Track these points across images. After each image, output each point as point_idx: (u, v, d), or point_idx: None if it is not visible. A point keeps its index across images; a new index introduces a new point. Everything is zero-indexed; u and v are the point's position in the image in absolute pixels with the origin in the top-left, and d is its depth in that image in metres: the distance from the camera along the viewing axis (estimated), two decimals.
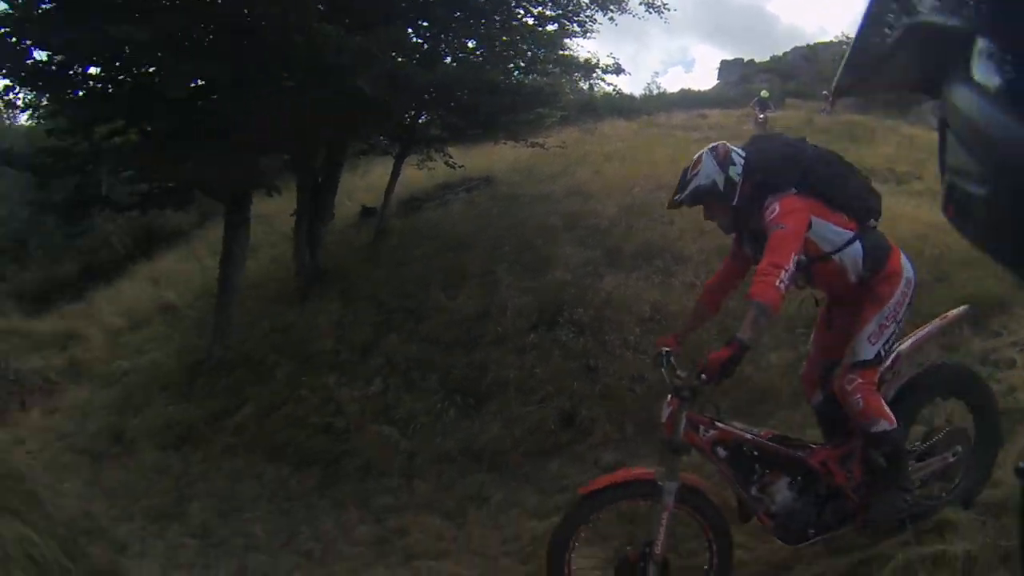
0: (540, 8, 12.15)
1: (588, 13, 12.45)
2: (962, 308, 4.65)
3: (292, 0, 7.68)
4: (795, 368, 7.72)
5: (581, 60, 13.22)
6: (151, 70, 9.23)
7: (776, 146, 4.07)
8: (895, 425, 3.70)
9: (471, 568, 5.36)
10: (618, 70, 12.48)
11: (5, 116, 26.19)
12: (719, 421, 3.84)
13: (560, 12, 12.29)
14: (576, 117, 23.14)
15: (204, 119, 9.45)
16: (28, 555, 4.53)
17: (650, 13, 12.60)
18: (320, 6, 8.21)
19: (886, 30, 0.88)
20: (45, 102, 11.23)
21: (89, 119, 10.04)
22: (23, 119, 22.62)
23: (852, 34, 0.94)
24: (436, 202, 14.57)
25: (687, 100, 34.69)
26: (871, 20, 0.93)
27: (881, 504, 3.78)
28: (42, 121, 12.86)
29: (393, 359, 8.46)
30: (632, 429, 7.26)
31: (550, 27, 12.42)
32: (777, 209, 3.65)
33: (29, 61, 9.31)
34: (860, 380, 3.72)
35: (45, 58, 9.38)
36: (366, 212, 14.16)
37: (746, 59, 48.81)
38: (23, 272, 19.26)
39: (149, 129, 10.11)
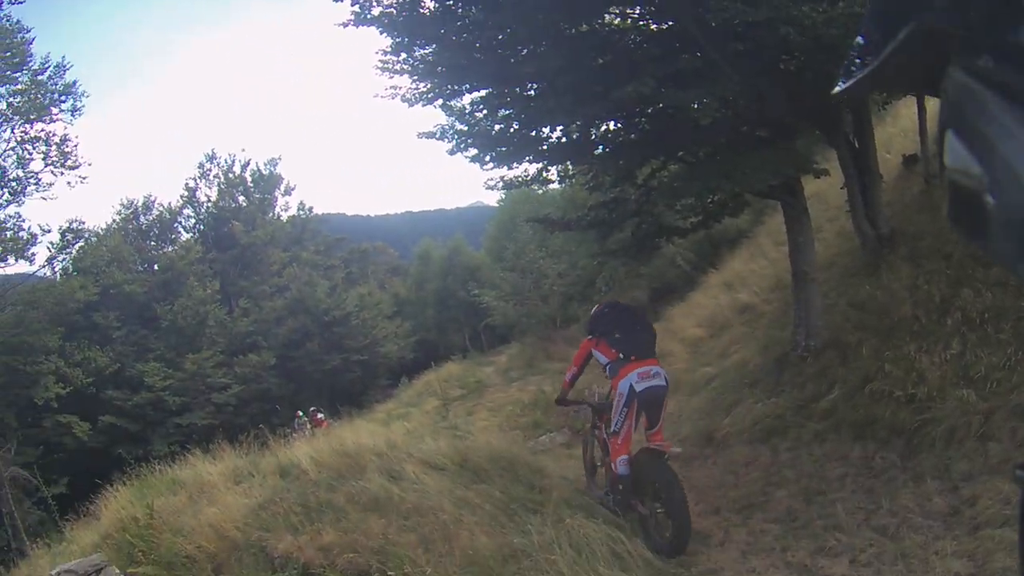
0: None
1: None
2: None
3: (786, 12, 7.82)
4: None
5: None
6: (664, 108, 9.82)
7: (598, 309, 7.89)
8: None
9: None
10: None
11: (537, 188, 28.67)
12: None
13: None
14: None
15: (733, 130, 10.12)
16: (613, 551, 5.62)
17: None
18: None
19: (886, 30, 0.87)
20: (574, 167, 12.47)
21: (628, 168, 11.30)
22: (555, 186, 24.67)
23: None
24: None
25: None
26: (871, 20, 0.95)
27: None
28: (579, 183, 14.38)
29: (968, 314, 7.97)
30: None
31: None
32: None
33: (547, 144, 10.64)
34: (612, 439, 7.00)
35: (560, 134, 10.62)
36: (909, 160, 13.27)
37: None
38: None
39: (684, 155, 10.95)
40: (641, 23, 9.96)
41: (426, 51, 9.42)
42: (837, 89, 1.01)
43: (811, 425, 8.58)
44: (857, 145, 10.61)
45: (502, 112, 10.29)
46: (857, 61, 0.97)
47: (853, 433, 7.98)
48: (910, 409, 7.40)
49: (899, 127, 15.05)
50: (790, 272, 10.85)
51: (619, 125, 10.71)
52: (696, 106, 9.11)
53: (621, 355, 6.97)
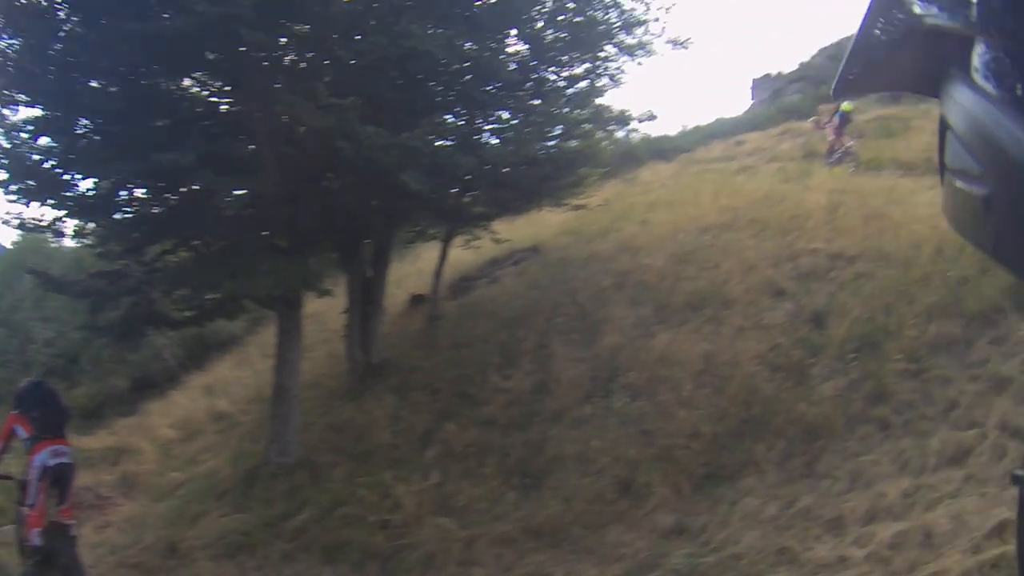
0: (569, 70, 12.37)
1: (616, 64, 12.95)
2: None
3: (336, 109, 7.89)
4: (847, 396, 7.89)
5: (615, 112, 13.52)
6: (196, 188, 9.57)
7: (24, 385, 8.20)
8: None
9: None
10: (651, 117, 12.79)
11: (52, 242, 26.81)
12: None
13: (590, 67, 12.73)
14: (617, 168, 23.28)
15: (254, 230, 10.05)
16: None
17: (675, 49, 12.95)
18: (360, 109, 8.42)
19: (886, 30, 0.90)
20: (92, 226, 11.59)
21: (139, 242, 10.64)
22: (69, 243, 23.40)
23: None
24: (486, 279, 15.11)
25: (723, 128, 34.69)
26: (871, 20, 0.95)
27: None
28: (90, 245, 13.27)
29: (451, 447, 8.87)
30: (688, 487, 7.59)
31: (582, 84, 12.93)
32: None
33: (73, 192, 9.84)
34: (28, 511, 7.27)
35: (91, 186, 9.93)
36: (416, 299, 14.71)
37: (774, 73, 48.84)
38: (74, 389, 19.69)
39: (197, 244, 10.64)
40: (212, 97, 9.71)
41: None
42: (836, 89, 1.05)
43: (280, 544, 8.53)
44: (369, 275, 11.11)
45: (44, 141, 9.43)
46: (856, 60, 1.00)
47: (324, 555, 8.11)
48: (385, 534, 7.82)
49: (416, 267, 16.51)
50: (272, 385, 10.81)
51: (149, 194, 10.24)
52: (227, 198, 8.89)
53: (37, 432, 7.52)
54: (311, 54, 9.40)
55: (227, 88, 9.68)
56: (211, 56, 9.10)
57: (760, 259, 11.76)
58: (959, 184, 0.79)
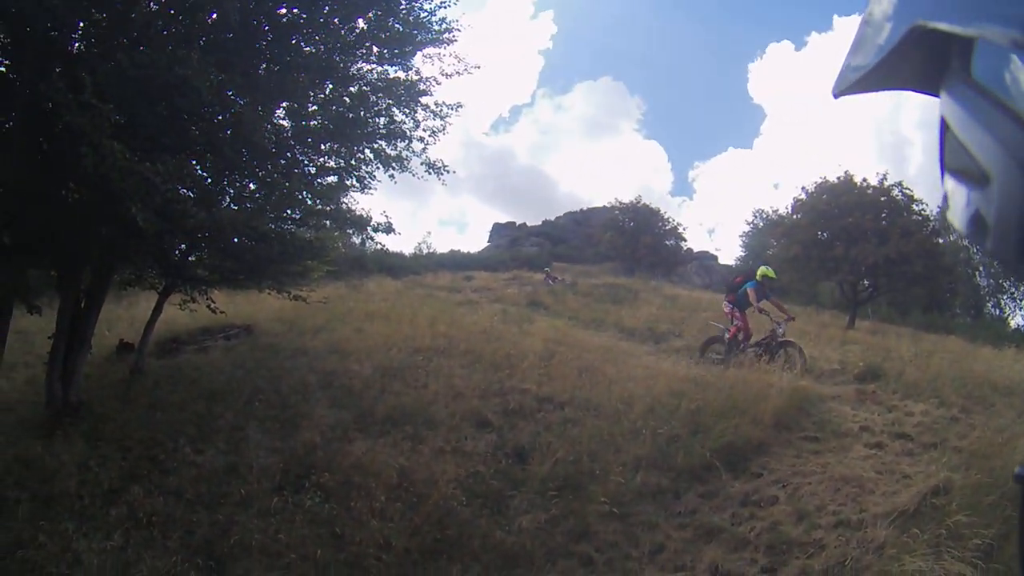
0: (324, 159, 12.54)
1: (368, 169, 13.41)
2: None
3: (93, 111, 7.51)
4: (548, 530, 8.29)
5: (355, 215, 13.69)
6: None
7: None
8: None
9: None
10: (389, 228, 13.18)
11: None
12: None
13: (343, 165, 12.92)
14: (345, 272, 23.66)
15: None
16: None
17: (430, 174, 13.48)
18: (116, 120, 8.06)
19: (886, 30, 0.92)
20: None
21: None
22: None
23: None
24: (195, 346, 14.90)
25: (456, 261, 36.70)
26: (869, 20, 0.98)
27: None
28: None
29: (136, 511, 8.31)
30: None
31: (330, 178, 13.04)
32: None
33: None
34: None
35: None
36: (124, 347, 14.24)
37: (518, 222, 52.25)
38: None
39: None
40: None
41: None
42: (836, 88, 1.07)
43: None
44: (83, 306, 10.42)
45: None
46: (856, 60, 1.02)
47: None
48: None
49: (130, 314, 16.08)
50: None
51: None
52: None
53: None
54: (93, 46, 8.92)
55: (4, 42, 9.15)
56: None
57: (469, 388, 12.46)
58: (959, 184, 0.82)
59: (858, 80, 0.99)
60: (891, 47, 0.89)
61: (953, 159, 0.83)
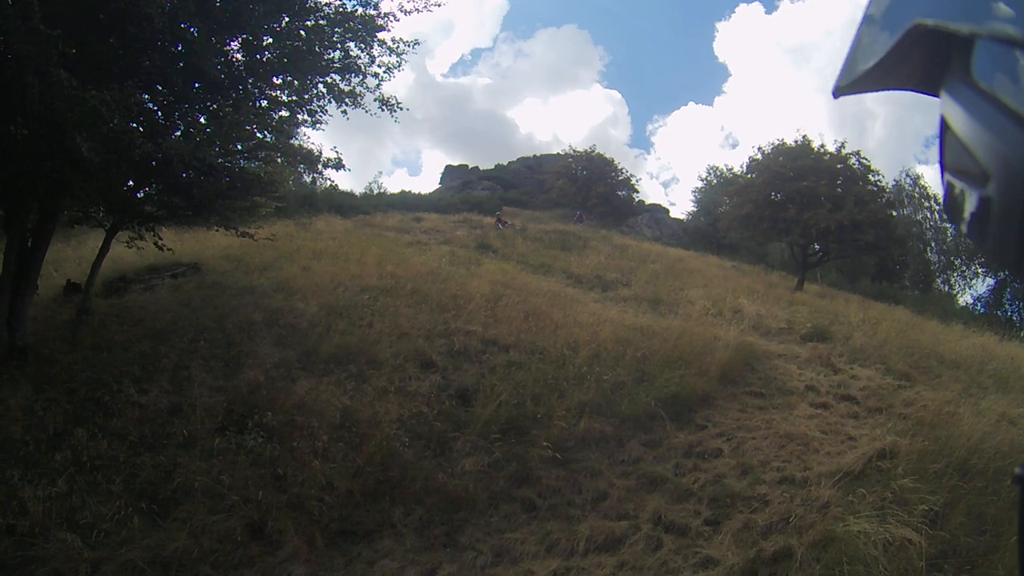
0: (276, 93, 12.37)
1: (321, 103, 13.27)
2: None
3: (41, 38, 7.32)
4: (491, 474, 8.48)
5: (306, 151, 13.70)
6: None
7: None
8: None
9: None
10: (339, 164, 13.10)
11: None
12: None
13: (295, 99, 12.85)
14: (294, 210, 23.40)
15: None
16: None
17: (383, 111, 13.51)
18: (64, 48, 7.86)
19: (886, 30, 0.92)
20: None
21: None
22: None
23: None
24: (142, 285, 14.73)
25: (406, 202, 36.53)
26: (870, 20, 0.99)
27: None
28: None
29: (80, 456, 8.27)
30: (322, 541, 7.69)
31: (282, 113, 13.01)
32: None
33: None
34: None
35: None
36: (71, 287, 13.98)
37: (471, 166, 52.07)
38: None
39: None
40: None
41: None
42: (836, 88, 1.07)
43: None
44: (30, 245, 10.25)
45: None
46: (856, 59, 1.02)
47: None
48: (12, 541, 7.11)
49: (78, 254, 15.77)
50: None
51: None
52: None
53: None
54: None
55: None
56: None
57: (414, 328, 12.57)
58: (958, 184, 0.83)
59: (858, 79, 1.00)
60: (891, 46, 0.90)
61: (953, 159, 0.85)
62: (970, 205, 0.79)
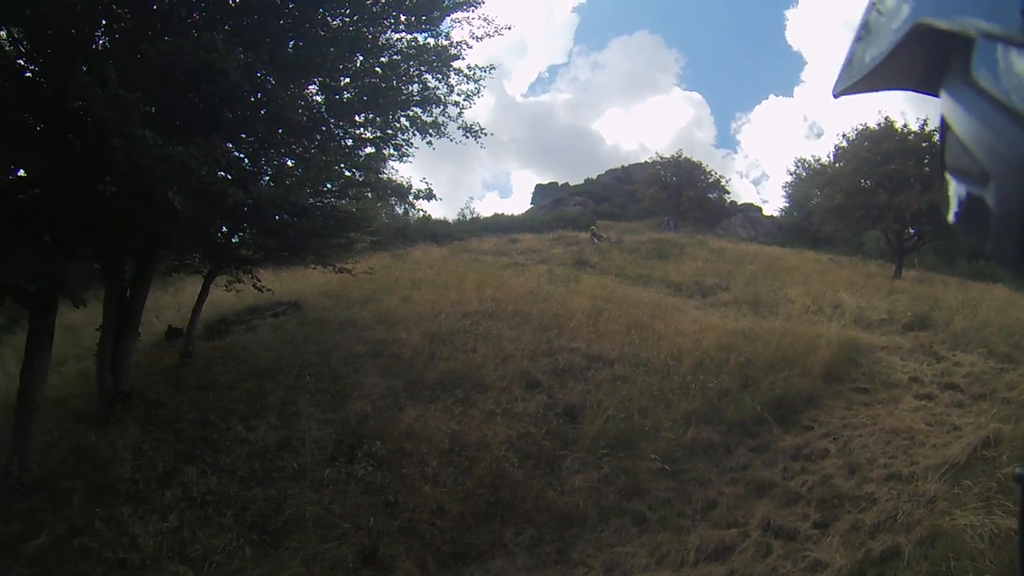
0: (360, 131, 12.73)
1: (405, 136, 13.55)
2: None
3: (121, 102, 7.75)
4: (601, 489, 8.48)
5: (396, 184, 13.84)
6: None
7: None
8: None
9: None
10: (429, 195, 13.27)
11: None
12: None
13: (379, 135, 13.08)
14: (389, 242, 23.87)
15: (15, 215, 9.48)
16: None
17: (468, 138, 13.62)
18: (145, 109, 8.31)
19: (887, 29, 0.92)
20: None
21: None
22: None
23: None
24: (244, 326, 15.19)
25: (500, 224, 36.76)
26: (871, 19, 0.99)
27: None
28: None
29: (190, 492, 8.68)
30: (434, 564, 7.81)
31: (368, 149, 13.30)
32: None
33: None
34: None
35: None
36: (173, 332, 14.61)
37: (560, 183, 52.02)
38: None
39: None
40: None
41: None
42: (837, 88, 1.07)
43: (18, 570, 7.83)
44: (128, 295, 10.78)
45: None
46: (856, 59, 1.03)
47: None
48: (122, 573, 7.42)
49: (177, 299, 16.46)
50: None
51: None
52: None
53: None
54: (116, 40, 9.20)
55: (28, 47, 9.34)
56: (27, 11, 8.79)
57: (518, 350, 12.61)
58: (959, 184, 0.83)
59: (859, 79, 1.01)
60: (892, 46, 0.90)
61: (954, 159, 0.84)
62: (970, 205, 0.80)
